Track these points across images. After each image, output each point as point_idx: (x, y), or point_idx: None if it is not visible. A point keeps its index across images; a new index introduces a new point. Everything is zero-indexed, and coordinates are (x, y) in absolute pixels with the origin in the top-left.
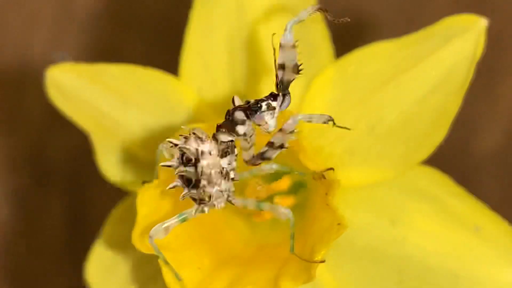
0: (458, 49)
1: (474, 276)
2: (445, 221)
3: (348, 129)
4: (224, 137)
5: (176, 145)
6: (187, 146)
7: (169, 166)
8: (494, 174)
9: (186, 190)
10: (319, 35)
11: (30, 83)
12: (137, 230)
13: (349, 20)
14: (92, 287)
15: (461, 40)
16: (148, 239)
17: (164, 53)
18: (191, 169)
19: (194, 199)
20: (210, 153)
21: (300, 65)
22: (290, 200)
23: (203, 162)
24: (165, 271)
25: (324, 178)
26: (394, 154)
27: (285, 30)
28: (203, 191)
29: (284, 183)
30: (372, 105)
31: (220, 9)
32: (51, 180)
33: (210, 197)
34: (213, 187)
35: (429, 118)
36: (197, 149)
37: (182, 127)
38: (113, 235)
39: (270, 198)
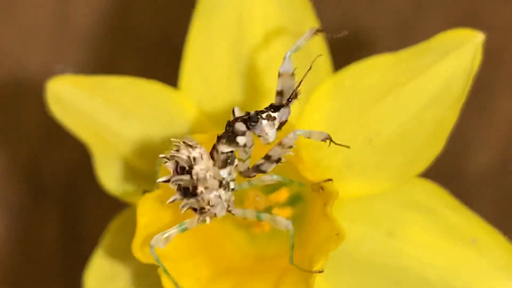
0: (455, 63)
1: None
2: (441, 234)
3: (347, 147)
4: (225, 148)
5: (168, 159)
6: (179, 155)
7: (167, 181)
8: (486, 192)
9: (185, 201)
10: (317, 49)
11: (26, 97)
12: (137, 240)
13: (347, 33)
14: None
15: (458, 54)
16: (149, 249)
17: (160, 68)
18: (186, 177)
19: (195, 209)
20: (201, 157)
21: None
22: (287, 212)
23: (197, 168)
24: (165, 281)
25: (323, 189)
26: (392, 166)
27: (284, 59)
28: (202, 198)
29: (282, 194)
30: (370, 118)
31: (220, 22)
32: (47, 193)
33: (209, 203)
34: (211, 192)
35: (427, 131)
36: (188, 156)
37: (172, 139)
38: (112, 246)
39: (268, 210)
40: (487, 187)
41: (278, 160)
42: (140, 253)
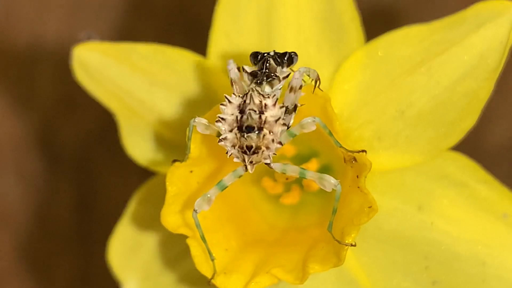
0: (490, 34)
1: (501, 263)
2: (472, 208)
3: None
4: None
5: (228, 100)
6: (251, 97)
7: (222, 119)
8: (504, 165)
9: (245, 135)
10: (348, 18)
11: (42, 66)
12: (166, 209)
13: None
14: (114, 268)
15: (493, 26)
16: (192, 213)
17: (177, 38)
18: (255, 117)
19: (248, 148)
20: (274, 105)
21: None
22: None
23: (267, 114)
24: (194, 252)
25: (356, 160)
26: (424, 139)
27: (297, 71)
28: (263, 137)
29: (313, 165)
30: (402, 90)
31: None
32: (62, 163)
33: (267, 147)
34: (274, 136)
35: (460, 103)
36: (261, 101)
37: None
38: (137, 215)
39: (298, 180)
40: (504, 160)
41: (295, 108)
42: (168, 222)
